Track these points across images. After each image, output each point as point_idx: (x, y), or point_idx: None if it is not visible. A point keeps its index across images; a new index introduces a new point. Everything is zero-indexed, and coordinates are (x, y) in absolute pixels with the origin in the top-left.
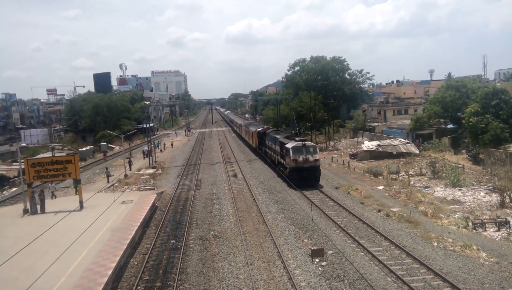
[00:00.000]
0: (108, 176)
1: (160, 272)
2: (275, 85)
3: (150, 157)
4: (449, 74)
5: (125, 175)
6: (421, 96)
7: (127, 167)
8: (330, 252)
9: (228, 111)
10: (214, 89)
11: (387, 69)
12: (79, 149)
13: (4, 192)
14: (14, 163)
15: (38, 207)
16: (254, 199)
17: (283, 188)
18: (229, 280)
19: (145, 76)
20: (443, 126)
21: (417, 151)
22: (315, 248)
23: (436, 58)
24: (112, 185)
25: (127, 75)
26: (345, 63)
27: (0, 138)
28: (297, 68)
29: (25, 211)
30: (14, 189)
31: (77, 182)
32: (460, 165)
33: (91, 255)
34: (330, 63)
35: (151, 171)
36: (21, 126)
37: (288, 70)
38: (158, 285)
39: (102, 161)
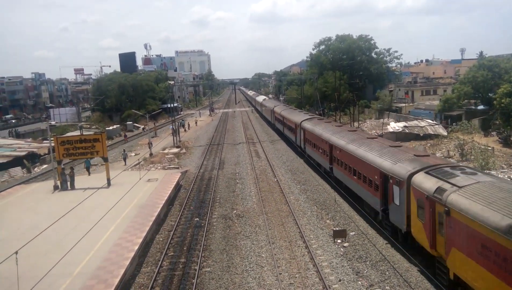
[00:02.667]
0: (125, 158)
1: (185, 248)
2: (299, 65)
3: (175, 136)
4: (481, 53)
5: (150, 154)
6: (451, 76)
7: (152, 146)
8: (352, 233)
9: (264, 97)
10: (237, 69)
11: (416, 48)
12: (106, 128)
13: (35, 169)
14: (44, 141)
15: (68, 183)
16: (276, 180)
17: (306, 169)
18: (251, 258)
19: (169, 56)
20: (473, 107)
21: (445, 133)
22: (337, 229)
23: (467, 36)
24: (138, 163)
25: (152, 55)
26: (372, 42)
27: (31, 116)
28: (322, 47)
29: (56, 188)
30: (45, 166)
31: (89, 163)
32: (489, 148)
33: (119, 230)
34: (357, 41)
35: (175, 150)
36: (50, 105)
37: (313, 49)
38: (183, 261)
39: (131, 139)
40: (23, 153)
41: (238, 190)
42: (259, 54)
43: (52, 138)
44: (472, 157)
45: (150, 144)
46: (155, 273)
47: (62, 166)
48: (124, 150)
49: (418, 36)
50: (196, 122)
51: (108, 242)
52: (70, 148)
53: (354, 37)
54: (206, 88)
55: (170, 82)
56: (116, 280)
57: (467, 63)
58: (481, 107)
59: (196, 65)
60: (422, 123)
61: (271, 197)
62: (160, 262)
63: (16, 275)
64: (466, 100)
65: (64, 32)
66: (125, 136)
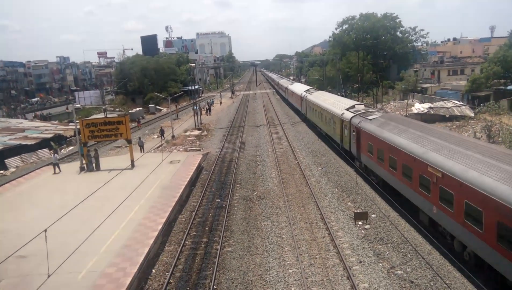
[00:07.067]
0: (141, 145)
1: (207, 228)
2: (322, 45)
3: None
4: None
5: (173, 136)
6: (480, 55)
7: (167, 132)
8: (374, 215)
9: (307, 88)
10: (258, 51)
11: (443, 26)
12: (129, 111)
13: (62, 151)
14: (70, 124)
15: (94, 165)
16: (297, 162)
17: (327, 151)
18: (272, 239)
19: (190, 38)
20: (502, 87)
21: (472, 114)
22: (358, 211)
23: (498, 13)
24: (161, 145)
25: (173, 38)
26: (397, 20)
27: (57, 99)
28: (345, 27)
29: (82, 169)
30: (71, 147)
31: (82, 149)
32: None
33: (143, 210)
34: (381, 20)
35: (197, 132)
36: (75, 88)
37: (336, 29)
38: (205, 240)
39: (152, 122)
40: (50, 135)
41: (259, 172)
42: (281, 34)
43: (77, 121)
44: (500, 138)
45: (161, 133)
46: (178, 252)
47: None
48: (139, 138)
49: (446, 13)
50: (220, 103)
51: (132, 221)
52: (95, 130)
53: (379, 15)
54: (227, 70)
55: (191, 64)
56: (141, 258)
57: (497, 41)
58: (510, 87)
59: (217, 47)
60: (448, 104)
61: (292, 179)
62: (183, 242)
63: (45, 253)
64: (495, 80)
65: (89, 15)
66: (139, 121)
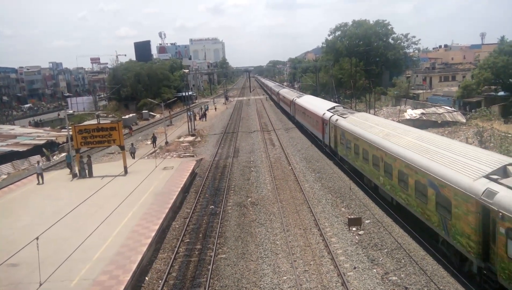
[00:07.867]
0: (133, 152)
1: (200, 235)
2: (315, 51)
3: (190, 123)
4: (503, 37)
5: (166, 142)
6: (471, 62)
7: (161, 139)
8: (367, 221)
9: (331, 105)
10: (251, 57)
11: (434, 33)
12: (123, 117)
13: (54, 157)
14: (62, 130)
15: (86, 171)
16: (291, 168)
17: (321, 157)
18: (266, 245)
19: (184, 44)
20: (493, 93)
21: (463, 120)
22: (352, 217)
23: (488, 20)
24: (154, 152)
25: (167, 44)
26: (389, 27)
27: (49, 105)
28: (338, 33)
29: (74, 175)
30: (64, 154)
31: (69, 157)
32: (510, 135)
33: (136, 217)
34: (373, 27)
35: (190, 138)
36: (68, 94)
37: (329, 35)
38: (199, 247)
39: (145, 128)
40: (42, 142)
41: (252, 178)
42: (274, 41)
43: (70, 127)
44: (492, 144)
45: (154, 140)
46: (172, 259)
47: (80, 154)
48: (132, 144)
49: (437, 20)
50: (215, 108)
51: (125, 228)
52: (88, 136)
53: (371, 22)
54: (221, 76)
55: (184, 70)
56: (134, 266)
57: (488, 48)
58: (501, 93)
59: (211, 53)
60: (440, 110)
61: (285, 185)
62: (176, 249)
63: (37, 260)
64: (486, 86)
65: (82, 21)
66: (130, 128)
